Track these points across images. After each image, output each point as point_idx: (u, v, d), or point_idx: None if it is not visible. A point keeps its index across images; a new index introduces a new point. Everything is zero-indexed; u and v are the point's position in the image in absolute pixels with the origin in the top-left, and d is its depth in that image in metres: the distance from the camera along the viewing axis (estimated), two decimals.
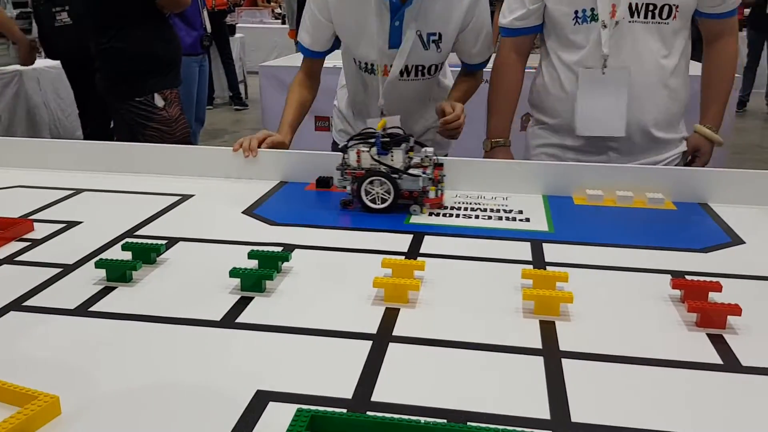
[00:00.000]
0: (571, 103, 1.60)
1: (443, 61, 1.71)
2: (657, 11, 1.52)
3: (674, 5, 1.52)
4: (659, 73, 1.57)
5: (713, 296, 0.90)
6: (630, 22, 1.52)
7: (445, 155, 1.58)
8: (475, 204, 1.34)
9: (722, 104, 1.67)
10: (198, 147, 1.59)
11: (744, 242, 1.14)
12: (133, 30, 2.42)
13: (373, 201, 1.27)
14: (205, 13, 4.10)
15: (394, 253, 1.07)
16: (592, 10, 1.53)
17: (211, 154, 1.51)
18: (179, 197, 1.35)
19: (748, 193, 1.33)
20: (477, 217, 1.27)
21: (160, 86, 2.48)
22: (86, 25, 2.52)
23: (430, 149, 1.32)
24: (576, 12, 1.55)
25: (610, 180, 1.37)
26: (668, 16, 1.53)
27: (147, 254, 1.01)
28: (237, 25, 7.77)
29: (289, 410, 0.64)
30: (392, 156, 1.26)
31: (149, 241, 1.04)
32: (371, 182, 1.26)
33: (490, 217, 1.27)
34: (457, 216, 1.27)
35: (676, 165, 1.65)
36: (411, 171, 1.26)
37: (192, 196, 1.36)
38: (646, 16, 1.52)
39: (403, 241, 1.14)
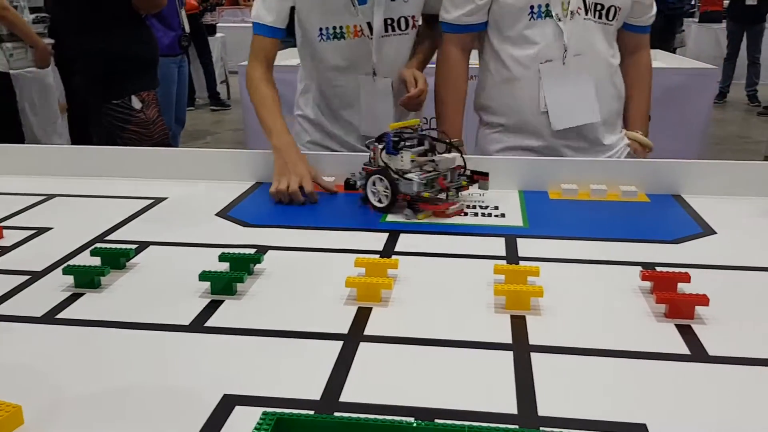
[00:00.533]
0: (528, 100, 1.59)
1: (416, 13, 1.65)
2: (604, 12, 1.55)
3: (618, 7, 1.55)
4: (608, 70, 1.60)
5: (682, 287, 0.90)
6: (584, 19, 1.53)
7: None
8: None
9: (646, 111, 1.71)
10: (172, 149, 1.57)
11: (715, 233, 1.15)
12: (109, 32, 2.40)
13: (380, 200, 1.27)
14: (183, 14, 4.08)
15: (368, 252, 1.07)
16: (547, 5, 1.53)
17: (185, 156, 1.50)
18: (152, 200, 1.34)
19: (721, 183, 1.34)
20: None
21: (137, 88, 2.46)
22: (64, 27, 2.49)
23: (451, 156, 1.28)
24: (531, 7, 1.55)
25: (584, 174, 1.38)
26: (613, 18, 1.55)
27: (116, 259, 1.00)
28: (218, 25, 7.73)
29: (256, 414, 0.63)
30: (402, 156, 1.25)
31: (119, 246, 1.03)
32: (374, 181, 1.27)
33: (465, 214, 1.27)
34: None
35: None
36: (409, 175, 1.23)
37: (165, 199, 1.36)
38: (594, 15, 1.54)
39: (378, 240, 1.13)
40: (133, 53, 2.45)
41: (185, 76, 4.18)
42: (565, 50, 1.53)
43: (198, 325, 0.84)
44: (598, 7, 1.54)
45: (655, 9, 1.67)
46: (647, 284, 0.93)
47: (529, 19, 1.55)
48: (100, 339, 0.81)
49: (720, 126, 6.25)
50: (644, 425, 0.64)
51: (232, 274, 0.93)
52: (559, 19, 1.52)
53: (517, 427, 0.64)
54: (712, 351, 0.77)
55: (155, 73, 2.58)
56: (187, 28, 4.08)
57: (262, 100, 1.53)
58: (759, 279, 0.98)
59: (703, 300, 0.84)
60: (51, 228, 1.19)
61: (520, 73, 1.58)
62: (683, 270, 0.92)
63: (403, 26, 1.64)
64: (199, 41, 6.39)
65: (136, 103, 2.46)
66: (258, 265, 1.01)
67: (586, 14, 1.53)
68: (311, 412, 0.65)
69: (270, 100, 1.53)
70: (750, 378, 0.72)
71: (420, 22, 1.70)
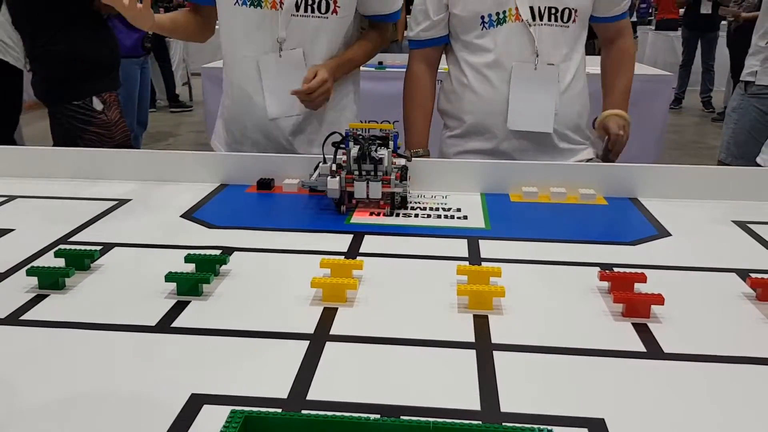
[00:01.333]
0: (483, 105, 1.63)
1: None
2: (559, 14, 1.58)
3: (573, 9, 1.59)
4: (564, 75, 1.63)
5: (639, 287, 0.93)
6: (544, 24, 1.57)
7: None
8: (415, 203, 1.36)
9: (626, 95, 1.72)
10: (134, 150, 1.56)
11: (670, 235, 1.19)
12: (70, 32, 2.37)
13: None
14: None
15: (333, 254, 1.08)
16: (498, 14, 1.57)
17: (149, 157, 1.49)
18: (116, 202, 1.33)
19: (675, 187, 1.39)
20: (417, 215, 1.29)
21: (98, 89, 2.43)
22: (22, 26, 2.45)
23: (378, 156, 1.24)
24: (482, 17, 1.59)
25: (544, 177, 1.41)
26: (569, 20, 1.59)
27: (80, 260, 0.99)
28: None
29: (224, 412, 0.64)
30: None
31: (83, 248, 1.03)
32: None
33: (429, 216, 1.29)
34: (397, 215, 1.29)
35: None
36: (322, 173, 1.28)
37: (129, 200, 1.35)
38: (549, 19, 1.58)
39: (343, 241, 1.15)
40: (94, 54, 2.43)
41: (148, 78, 4.14)
42: (537, 55, 1.57)
43: (164, 326, 0.84)
44: (552, 11, 1.58)
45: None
46: (605, 284, 0.96)
47: (482, 29, 1.59)
48: (65, 340, 0.81)
49: (676, 132, 6.41)
50: (602, 420, 0.66)
51: (199, 275, 0.93)
52: (530, 24, 1.56)
53: (480, 422, 0.65)
54: (667, 348, 0.80)
55: (117, 74, 2.55)
56: None
57: None
58: (711, 279, 1.01)
59: (659, 299, 0.87)
60: (13, 230, 1.18)
61: (473, 77, 1.63)
62: (639, 271, 0.96)
63: (323, 9, 1.64)
64: (157, 42, 6.32)
65: (97, 104, 2.43)
66: (224, 266, 1.01)
67: (534, 20, 1.57)
68: (279, 410, 0.65)
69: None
70: (703, 374, 0.75)
71: (342, 9, 1.67)
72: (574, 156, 1.71)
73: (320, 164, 1.32)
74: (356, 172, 1.25)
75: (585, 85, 1.71)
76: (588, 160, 1.72)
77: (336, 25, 1.68)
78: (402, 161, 1.31)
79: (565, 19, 1.59)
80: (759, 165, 1.80)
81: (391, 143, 1.28)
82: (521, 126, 1.63)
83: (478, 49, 1.62)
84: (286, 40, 1.63)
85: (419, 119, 1.75)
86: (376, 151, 1.24)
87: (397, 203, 1.29)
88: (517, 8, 1.57)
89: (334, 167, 1.26)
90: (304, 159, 1.47)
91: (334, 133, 1.30)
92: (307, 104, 1.66)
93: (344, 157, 1.26)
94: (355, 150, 1.24)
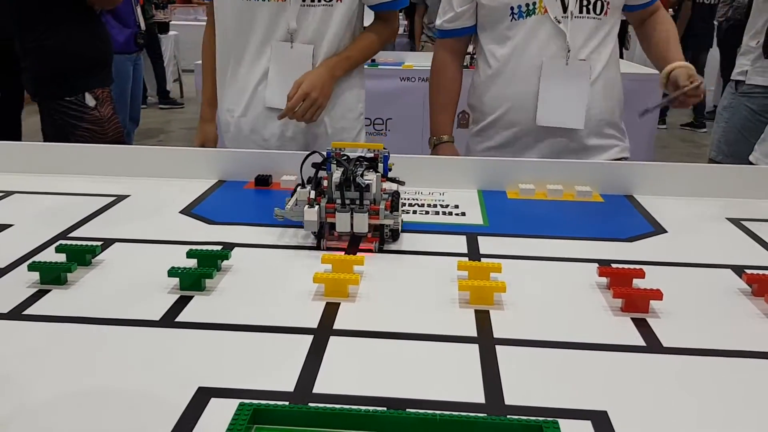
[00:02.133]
0: (510, 98, 1.63)
1: None
2: (591, 6, 1.58)
3: (606, 1, 1.58)
4: (594, 68, 1.62)
5: (637, 282, 0.95)
6: (576, 17, 1.57)
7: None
8: (413, 199, 1.37)
9: (678, 45, 1.69)
10: (133, 147, 1.56)
11: (666, 231, 1.21)
12: (62, 28, 2.36)
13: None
14: (139, 11, 4.02)
15: (333, 249, 1.09)
16: (527, 5, 1.57)
17: (147, 153, 1.49)
18: (114, 198, 1.33)
19: (670, 184, 1.40)
20: (415, 212, 1.29)
21: (91, 85, 2.42)
22: (13, 22, 2.44)
23: (365, 182, 1.06)
24: (512, 8, 1.59)
25: (541, 174, 1.42)
26: (601, 12, 1.59)
27: (82, 256, 0.99)
28: (171, 23, 7.64)
29: (232, 405, 0.64)
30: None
31: (84, 243, 1.03)
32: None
33: (427, 212, 1.29)
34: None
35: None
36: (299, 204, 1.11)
37: (128, 196, 1.35)
38: (581, 11, 1.57)
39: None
40: (87, 50, 2.41)
41: (140, 74, 4.13)
42: (568, 51, 1.57)
43: (169, 321, 0.84)
44: (584, 2, 1.57)
45: None
46: (603, 280, 0.97)
47: (510, 20, 1.59)
48: (69, 335, 0.81)
49: (665, 131, 6.46)
50: (605, 412, 0.67)
51: (201, 270, 0.93)
52: (558, 21, 1.56)
53: (485, 415, 0.66)
54: (666, 342, 0.81)
55: (110, 70, 2.54)
56: (142, 26, 4.03)
57: (204, 62, 1.85)
58: (707, 275, 1.03)
59: (657, 294, 0.89)
60: (11, 225, 1.17)
61: (501, 70, 1.63)
62: (637, 266, 0.97)
63: None
64: (149, 39, 6.31)
65: (90, 100, 2.42)
66: (225, 262, 1.01)
67: (570, 12, 1.56)
68: (287, 404, 0.66)
69: (208, 63, 1.83)
70: (702, 367, 0.77)
71: None
72: (604, 153, 1.70)
73: (298, 188, 1.13)
74: (338, 201, 1.06)
75: (618, 79, 1.68)
76: (619, 159, 1.70)
77: (342, 12, 1.67)
78: (393, 187, 1.15)
79: (598, 11, 1.58)
80: (751, 163, 1.81)
81: (380, 166, 1.11)
82: (551, 122, 1.62)
83: (507, 40, 1.62)
84: (297, 31, 1.62)
85: (443, 105, 1.76)
86: (362, 175, 1.06)
87: (387, 237, 1.12)
88: None
89: (312, 194, 1.09)
90: (301, 155, 1.47)
91: (314, 152, 1.15)
92: (299, 119, 1.66)
93: (325, 182, 1.09)
94: (337, 174, 1.06)
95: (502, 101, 1.67)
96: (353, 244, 1.12)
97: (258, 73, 1.70)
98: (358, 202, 1.06)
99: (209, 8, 1.79)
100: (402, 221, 1.15)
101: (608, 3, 1.59)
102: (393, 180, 1.15)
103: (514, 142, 1.69)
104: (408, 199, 1.36)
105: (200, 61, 1.89)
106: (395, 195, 1.11)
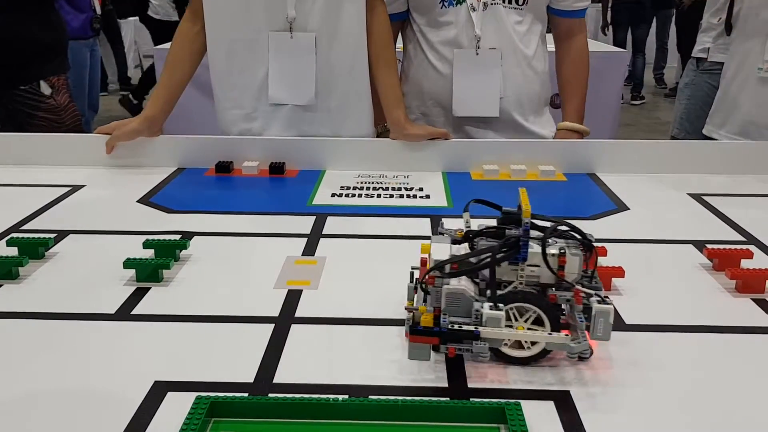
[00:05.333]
0: (443, 83, 1.61)
1: None
2: None
3: None
4: (521, 54, 1.60)
5: (600, 260, 0.94)
6: (492, 4, 1.55)
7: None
8: (378, 183, 1.36)
9: (582, 99, 1.70)
10: (87, 135, 1.51)
11: (628, 208, 1.21)
12: (14, 14, 2.28)
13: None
14: None
15: (296, 236, 1.07)
16: None
17: (102, 141, 1.45)
18: (69, 188, 1.29)
19: (632, 162, 1.41)
20: (379, 196, 1.28)
21: (46, 73, 2.35)
22: None
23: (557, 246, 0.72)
24: None
25: (504, 155, 1.42)
26: (523, 3, 1.57)
27: (34, 249, 0.96)
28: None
29: (189, 399, 0.63)
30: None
31: (37, 236, 1.00)
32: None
33: (391, 196, 1.28)
34: (360, 196, 1.28)
35: None
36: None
37: (83, 186, 1.31)
38: (503, 0, 1.55)
39: (305, 223, 1.13)
40: (41, 36, 2.34)
41: (98, 61, 4.03)
42: (478, 40, 1.55)
43: (124, 314, 0.82)
44: None
45: None
46: None
47: (441, 7, 1.57)
48: (20, 332, 0.78)
49: (630, 108, 6.52)
50: (567, 392, 0.67)
51: (158, 261, 0.91)
52: (473, 9, 1.54)
53: (448, 399, 0.66)
54: (628, 320, 0.82)
55: (65, 57, 2.47)
56: (98, 10, 3.93)
57: (168, 54, 1.54)
58: (669, 251, 1.03)
59: (619, 272, 0.89)
60: None
61: (433, 56, 1.61)
62: (600, 244, 0.97)
63: None
64: (109, 24, 6.17)
65: (45, 88, 2.36)
66: (184, 251, 0.99)
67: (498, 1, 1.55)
68: (245, 395, 0.65)
69: (170, 56, 1.53)
70: (663, 343, 0.77)
71: None
72: (543, 131, 1.69)
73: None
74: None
75: (545, 66, 1.68)
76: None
77: None
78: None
79: (520, 1, 1.57)
80: (706, 137, 1.84)
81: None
82: (466, 112, 1.61)
83: (440, 26, 1.59)
84: (296, 19, 1.45)
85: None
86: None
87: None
88: None
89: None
90: (263, 141, 1.45)
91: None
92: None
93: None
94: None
95: (439, 86, 1.63)
96: None
97: (259, 68, 1.50)
98: None
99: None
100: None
101: None
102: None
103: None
104: (372, 183, 1.35)
105: (161, 46, 1.76)
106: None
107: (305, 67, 1.47)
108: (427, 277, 0.72)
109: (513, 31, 1.57)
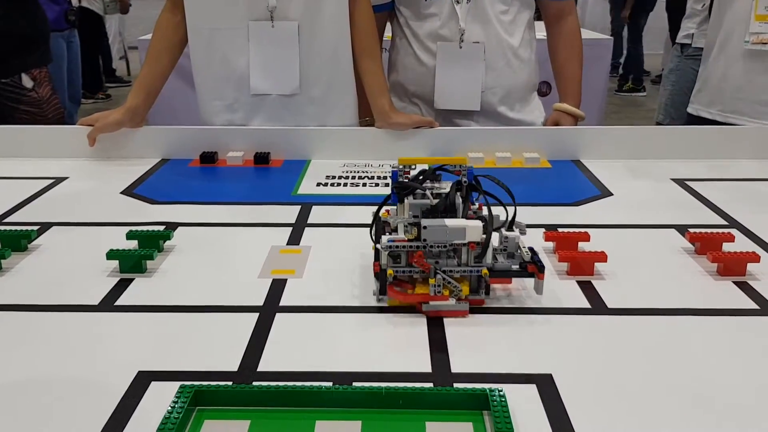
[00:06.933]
0: (428, 75, 1.61)
1: None
2: None
3: None
4: (506, 44, 1.59)
5: (583, 246, 0.95)
6: None
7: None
8: (363, 172, 1.35)
9: (578, 81, 1.69)
10: (70, 126, 1.49)
11: (612, 194, 1.22)
12: None
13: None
14: None
15: (281, 225, 1.07)
16: None
17: (85, 133, 1.43)
18: (52, 180, 1.28)
19: (616, 148, 1.41)
20: (365, 185, 1.28)
21: (27, 65, 2.32)
22: None
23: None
24: None
25: (489, 142, 1.42)
26: None
27: (17, 241, 0.96)
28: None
29: (173, 388, 0.63)
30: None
31: (19, 228, 0.99)
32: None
33: (377, 185, 1.28)
34: (345, 185, 1.28)
35: None
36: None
37: (66, 178, 1.30)
38: None
39: (290, 213, 1.13)
40: (21, 28, 2.32)
41: (77, 52, 3.97)
42: (462, 33, 1.54)
43: (108, 305, 0.82)
44: None
45: None
46: (550, 244, 0.98)
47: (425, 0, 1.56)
48: (4, 324, 0.78)
49: (617, 94, 6.55)
50: (550, 375, 0.68)
51: (142, 252, 0.90)
52: (457, 2, 1.53)
53: (431, 385, 0.66)
54: (611, 304, 0.82)
55: (47, 49, 2.44)
56: (74, 1, 3.87)
57: (149, 44, 1.52)
58: (651, 236, 1.04)
59: (602, 257, 0.89)
60: None
61: (418, 47, 1.61)
62: (583, 230, 0.97)
63: None
64: (92, 16, 6.10)
65: (27, 81, 2.33)
66: (168, 242, 0.99)
67: None
68: (229, 383, 0.65)
69: (151, 46, 1.51)
70: (645, 327, 0.78)
71: None
72: (526, 120, 1.68)
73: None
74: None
75: (532, 56, 1.68)
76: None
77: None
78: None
79: None
80: (691, 115, 1.85)
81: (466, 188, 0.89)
82: (448, 105, 1.60)
83: (424, 18, 1.58)
84: (276, 8, 1.43)
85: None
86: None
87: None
88: None
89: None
90: (248, 131, 1.44)
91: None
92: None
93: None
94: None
95: (424, 78, 1.63)
96: None
97: (240, 58, 1.47)
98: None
99: None
100: None
101: None
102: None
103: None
104: (358, 172, 1.35)
105: (145, 37, 1.73)
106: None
107: (288, 56, 1.46)
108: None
109: (498, 21, 1.56)
